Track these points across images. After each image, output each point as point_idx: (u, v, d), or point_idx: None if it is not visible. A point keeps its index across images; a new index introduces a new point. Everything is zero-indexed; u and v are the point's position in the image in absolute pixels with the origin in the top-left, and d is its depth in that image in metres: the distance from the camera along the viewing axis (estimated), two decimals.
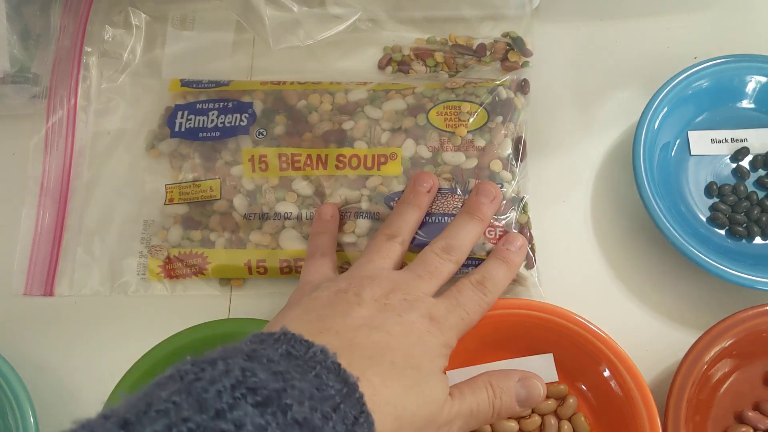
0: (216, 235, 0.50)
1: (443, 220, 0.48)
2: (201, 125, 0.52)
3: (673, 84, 0.51)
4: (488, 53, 0.56)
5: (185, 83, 0.55)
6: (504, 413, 0.40)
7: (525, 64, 0.55)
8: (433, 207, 0.48)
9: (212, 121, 0.52)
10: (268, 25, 0.52)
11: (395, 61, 0.56)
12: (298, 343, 0.33)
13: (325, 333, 0.36)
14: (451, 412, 0.38)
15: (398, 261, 0.44)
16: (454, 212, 0.48)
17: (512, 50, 0.56)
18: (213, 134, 0.52)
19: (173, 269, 0.50)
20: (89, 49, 0.56)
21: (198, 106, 0.53)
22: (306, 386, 0.30)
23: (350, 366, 0.33)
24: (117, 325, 0.50)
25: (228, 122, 0.52)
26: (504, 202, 0.48)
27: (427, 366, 0.37)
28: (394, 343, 0.37)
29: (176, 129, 0.53)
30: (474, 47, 0.56)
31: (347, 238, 0.48)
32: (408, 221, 0.45)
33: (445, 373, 0.39)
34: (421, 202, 0.46)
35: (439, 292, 0.42)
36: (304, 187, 0.50)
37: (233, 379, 0.28)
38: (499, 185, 0.48)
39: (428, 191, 0.47)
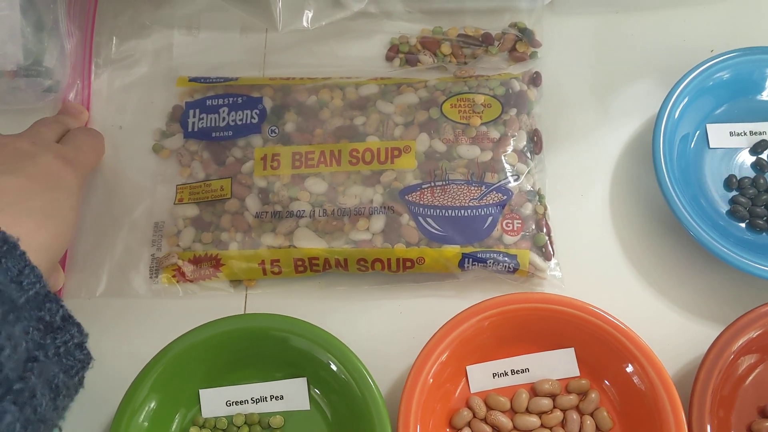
0: (228, 236, 0.50)
1: (459, 213, 0.48)
2: (213, 124, 0.53)
3: (693, 75, 0.53)
4: (496, 43, 0.56)
5: (193, 79, 0.56)
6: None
7: (533, 55, 0.57)
8: (449, 199, 0.48)
9: (224, 119, 0.53)
10: (280, 2, 0.53)
11: (402, 52, 0.58)
12: None
13: None
14: None
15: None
16: (470, 204, 0.48)
17: (521, 41, 0.56)
18: (226, 134, 0.53)
19: (187, 272, 0.50)
20: (98, 60, 0.58)
21: (208, 102, 0.54)
22: None
23: (2, 212, 0.37)
24: (132, 326, 0.51)
25: (240, 120, 0.53)
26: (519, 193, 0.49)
27: (67, 204, 0.42)
28: (36, 187, 0.41)
29: (189, 129, 0.54)
30: (480, 37, 0.56)
31: (362, 236, 0.49)
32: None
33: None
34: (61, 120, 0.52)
35: None
36: (317, 184, 0.50)
37: None
38: (515, 177, 0.49)
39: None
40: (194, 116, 0.54)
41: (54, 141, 0.48)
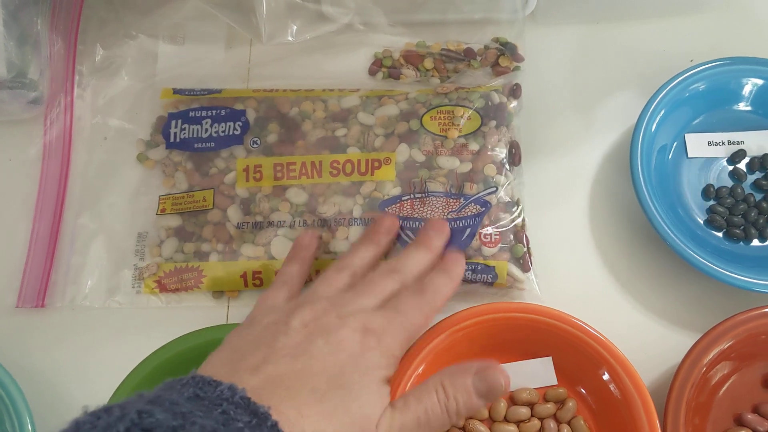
0: (209, 246, 0.51)
1: None
2: (195, 135, 0.54)
3: (670, 86, 0.53)
4: (478, 58, 0.57)
5: (177, 91, 0.57)
6: (463, 412, 0.38)
7: (516, 69, 0.57)
8: (428, 212, 0.49)
9: (206, 130, 0.54)
10: (265, 15, 0.54)
11: (386, 66, 0.58)
12: (206, 385, 0.33)
13: (242, 372, 0.36)
14: (393, 426, 0.37)
15: (344, 290, 0.43)
16: (449, 216, 0.49)
17: (503, 55, 0.57)
18: (208, 144, 0.54)
19: (168, 283, 0.51)
20: (81, 69, 0.58)
21: (191, 113, 0.55)
22: (209, 423, 0.30)
23: (262, 402, 0.33)
24: (114, 335, 0.52)
25: (222, 131, 0.53)
26: (498, 205, 0.50)
27: (358, 381, 0.37)
28: (317, 367, 0.37)
29: (171, 140, 0.55)
30: (462, 52, 0.57)
31: (341, 246, 0.50)
32: (362, 257, 0.45)
33: (388, 383, 0.38)
34: (379, 241, 0.47)
35: None
36: (297, 195, 0.50)
37: (128, 422, 0.28)
38: (494, 189, 0.49)
39: (387, 232, 0.48)
40: (176, 126, 0.55)
41: (376, 303, 0.41)
